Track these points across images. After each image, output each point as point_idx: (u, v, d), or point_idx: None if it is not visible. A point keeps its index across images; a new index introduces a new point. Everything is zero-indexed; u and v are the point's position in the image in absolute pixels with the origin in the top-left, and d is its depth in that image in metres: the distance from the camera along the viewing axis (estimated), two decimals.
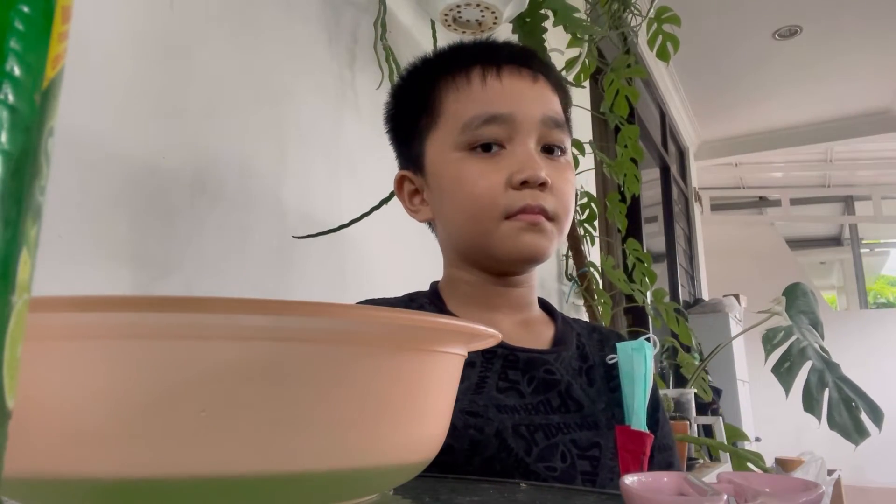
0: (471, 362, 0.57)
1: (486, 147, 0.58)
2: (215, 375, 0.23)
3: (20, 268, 0.12)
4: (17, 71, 0.12)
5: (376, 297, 0.65)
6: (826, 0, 2.69)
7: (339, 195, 0.93)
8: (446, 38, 1.18)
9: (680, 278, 3.53)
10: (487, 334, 0.31)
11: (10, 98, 0.12)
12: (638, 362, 0.60)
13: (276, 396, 0.23)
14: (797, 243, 6.00)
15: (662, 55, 1.44)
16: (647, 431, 0.57)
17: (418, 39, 1.16)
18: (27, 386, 0.17)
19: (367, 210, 0.85)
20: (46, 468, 0.23)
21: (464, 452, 0.52)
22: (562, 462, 0.53)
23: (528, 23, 1.15)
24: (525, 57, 0.62)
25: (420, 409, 0.28)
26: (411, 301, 0.65)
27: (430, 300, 0.65)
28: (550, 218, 0.58)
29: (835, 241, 6.43)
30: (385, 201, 0.86)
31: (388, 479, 0.29)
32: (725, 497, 0.24)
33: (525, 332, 0.63)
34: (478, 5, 0.98)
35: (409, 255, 1.05)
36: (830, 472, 2.81)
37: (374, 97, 1.01)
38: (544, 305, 0.69)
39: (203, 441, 0.22)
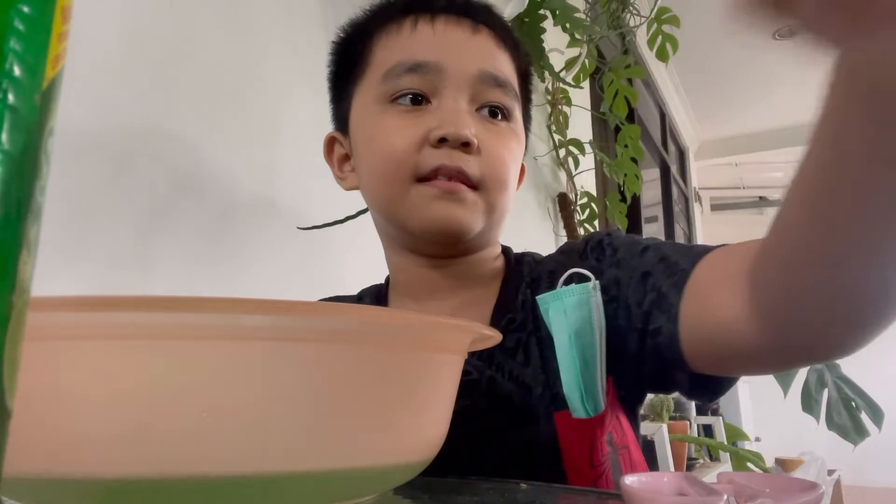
0: None
1: (412, 100, 0.50)
2: (215, 375, 0.23)
3: (20, 268, 0.12)
4: (17, 71, 0.12)
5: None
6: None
7: (338, 194, 0.93)
8: None
9: None
10: (487, 335, 0.31)
11: (10, 98, 0.12)
12: (556, 320, 0.48)
13: (276, 397, 0.23)
14: None
15: (662, 55, 1.44)
16: (595, 413, 0.46)
17: None
18: (27, 386, 0.17)
19: (365, 207, 0.85)
20: (46, 468, 0.23)
21: None
22: (493, 475, 0.45)
23: (526, 23, 1.15)
24: (467, 6, 0.53)
25: (420, 410, 0.28)
26: (360, 299, 0.60)
27: (373, 298, 0.59)
28: (474, 186, 0.49)
29: None
30: None
31: (388, 479, 0.29)
32: (725, 497, 0.24)
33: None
34: None
35: None
36: (830, 472, 2.81)
37: None
38: (507, 259, 0.57)
39: (203, 441, 0.22)
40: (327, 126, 0.80)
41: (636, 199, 2.66)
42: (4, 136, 0.11)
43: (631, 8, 1.49)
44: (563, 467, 0.47)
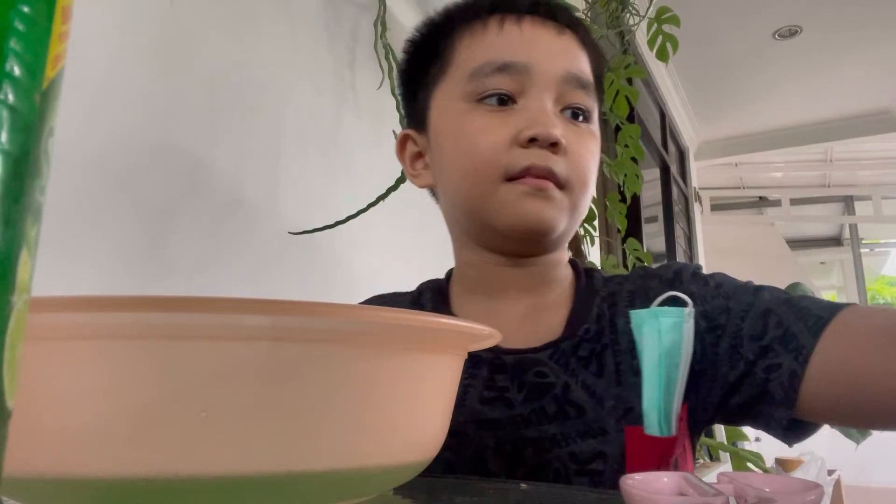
0: None
1: (498, 101, 0.50)
2: (215, 375, 0.23)
3: (20, 268, 0.12)
4: (17, 71, 0.12)
5: (383, 292, 0.62)
6: (826, 0, 2.69)
7: (338, 194, 0.93)
8: None
9: None
10: (487, 334, 0.31)
11: (10, 98, 0.12)
12: (648, 338, 0.48)
13: (276, 396, 0.23)
14: (797, 243, 6.00)
15: (662, 56, 1.44)
16: (668, 433, 0.46)
17: None
18: (27, 386, 0.17)
19: (364, 207, 0.85)
20: (46, 468, 0.23)
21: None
22: (555, 482, 0.46)
23: None
24: (553, 7, 0.54)
25: (420, 410, 0.28)
26: (420, 294, 0.60)
27: (434, 293, 0.59)
28: (561, 185, 0.50)
29: (835, 241, 6.43)
30: (382, 198, 0.86)
31: (388, 479, 0.29)
32: (725, 497, 0.24)
33: (529, 323, 0.54)
34: None
35: (408, 252, 1.05)
36: (830, 472, 2.81)
37: (374, 96, 1.01)
38: (576, 270, 0.58)
39: (203, 441, 0.22)
40: (327, 125, 0.80)
41: (636, 199, 2.66)
42: (4, 136, 0.11)
43: (630, 8, 1.49)
44: None
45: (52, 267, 0.55)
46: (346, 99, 0.98)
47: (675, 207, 3.66)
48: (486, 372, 0.51)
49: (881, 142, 4.08)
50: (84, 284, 0.58)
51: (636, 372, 0.49)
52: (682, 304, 0.49)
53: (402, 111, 0.61)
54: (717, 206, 5.30)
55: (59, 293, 0.22)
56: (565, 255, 0.58)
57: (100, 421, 0.22)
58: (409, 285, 0.66)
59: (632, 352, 0.50)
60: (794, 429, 0.47)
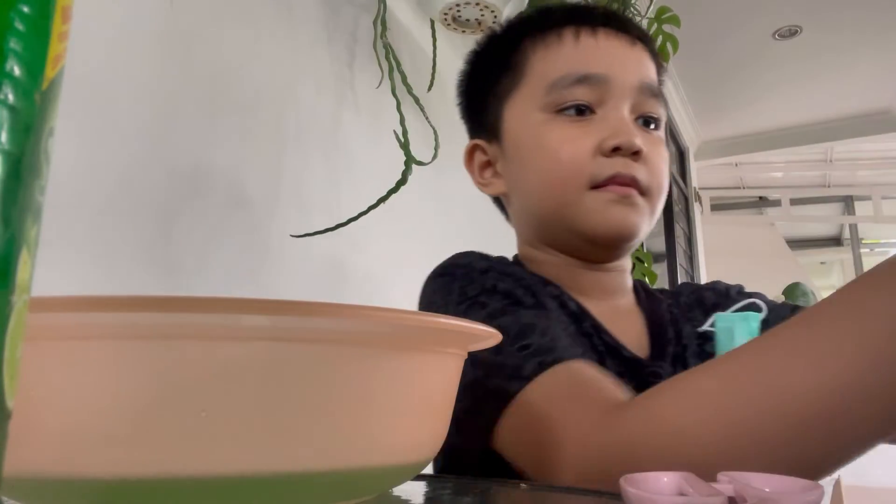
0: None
1: (576, 111, 0.52)
2: (215, 375, 0.23)
3: (20, 268, 0.12)
4: (17, 71, 0.12)
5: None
6: (826, 0, 2.69)
7: (338, 193, 0.93)
8: (445, 37, 1.18)
9: (680, 278, 3.53)
10: (487, 334, 0.31)
11: (10, 98, 0.12)
12: (740, 339, 0.50)
13: (276, 396, 0.23)
14: (797, 243, 6.00)
15: (662, 55, 1.44)
16: None
17: (418, 39, 1.16)
18: (27, 386, 0.17)
19: (365, 209, 0.85)
20: (46, 468, 0.23)
21: None
22: None
23: None
24: (623, 20, 0.56)
25: (420, 409, 0.28)
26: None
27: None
28: (643, 192, 0.51)
29: (835, 241, 6.43)
30: (383, 200, 0.86)
31: (388, 479, 0.29)
32: (725, 497, 0.23)
33: (614, 326, 0.54)
34: (477, 4, 0.98)
35: (408, 253, 1.05)
36: None
37: (374, 96, 1.01)
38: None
39: (203, 441, 0.22)
40: (327, 124, 0.80)
41: None
42: (4, 136, 0.11)
43: (631, 8, 1.49)
44: None
45: (53, 267, 0.55)
46: (346, 98, 0.98)
47: (675, 207, 3.66)
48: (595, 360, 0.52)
49: (881, 142, 4.08)
50: (85, 284, 0.58)
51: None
52: (755, 309, 0.52)
53: (465, 122, 0.62)
54: (717, 206, 5.29)
55: (59, 293, 0.22)
56: (630, 263, 0.60)
57: (100, 421, 0.22)
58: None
59: (699, 355, 0.53)
60: None
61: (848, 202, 5.48)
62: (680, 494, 0.26)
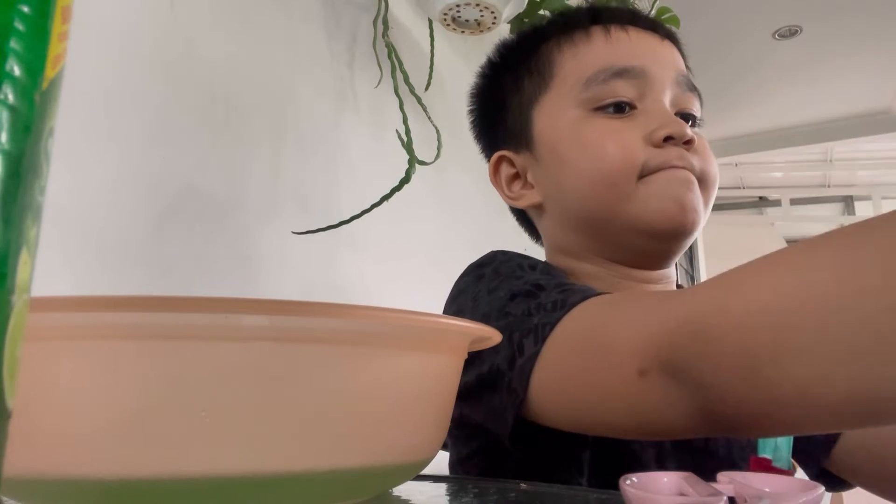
0: None
1: (615, 108, 0.49)
2: (215, 375, 0.23)
3: (20, 268, 0.12)
4: (17, 71, 0.12)
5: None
6: (826, 0, 2.69)
7: (338, 193, 0.93)
8: (445, 37, 1.18)
9: (680, 278, 3.53)
10: (488, 334, 0.31)
11: (10, 98, 0.12)
12: None
13: (275, 396, 0.23)
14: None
15: None
16: (790, 468, 0.44)
17: (417, 39, 1.16)
18: (27, 386, 0.17)
19: (368, 207, 0.85)
20: (46, 468, 0.23)
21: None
22: None
23: (526, 23, 1.15)
24: (650, 19, 0.54)
25: (420, 409, 0.28)
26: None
27: None
28: (700, 181, 0.48)
29: None
30: (386, 198, 0.86)
31: (388, 479, 0.29)
32: (725, 497, 0.23)
33: None
34: (477, 5, 0.98)
35: (408, 253, 1.05)
36: None
37: (374, 96, 1.01)
38: None
39: (203, 441, 0.22)
40: (327, 124, 0.80)
41: None
42: (4, 136, 0.11)
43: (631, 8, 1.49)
44: None
45: (53, 267, 0.55)
46: (346, 98, 0.98)
47: None
48: None
49: (881, 142, 4.08)
50: (84, 284, 0.58)
51: None
52: None
53: (481, 136, 0.58)
54: (716, 206, 5.26)
55: (59, 293, 0.22)
56: (675, 275, 0.56)
57: (100, 421, 0.22)
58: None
59: None
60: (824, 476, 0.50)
61: (848, 202, 5.47)
62: (680, 494, 0.26)
